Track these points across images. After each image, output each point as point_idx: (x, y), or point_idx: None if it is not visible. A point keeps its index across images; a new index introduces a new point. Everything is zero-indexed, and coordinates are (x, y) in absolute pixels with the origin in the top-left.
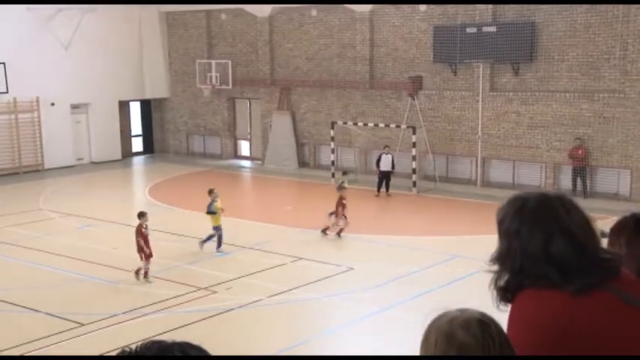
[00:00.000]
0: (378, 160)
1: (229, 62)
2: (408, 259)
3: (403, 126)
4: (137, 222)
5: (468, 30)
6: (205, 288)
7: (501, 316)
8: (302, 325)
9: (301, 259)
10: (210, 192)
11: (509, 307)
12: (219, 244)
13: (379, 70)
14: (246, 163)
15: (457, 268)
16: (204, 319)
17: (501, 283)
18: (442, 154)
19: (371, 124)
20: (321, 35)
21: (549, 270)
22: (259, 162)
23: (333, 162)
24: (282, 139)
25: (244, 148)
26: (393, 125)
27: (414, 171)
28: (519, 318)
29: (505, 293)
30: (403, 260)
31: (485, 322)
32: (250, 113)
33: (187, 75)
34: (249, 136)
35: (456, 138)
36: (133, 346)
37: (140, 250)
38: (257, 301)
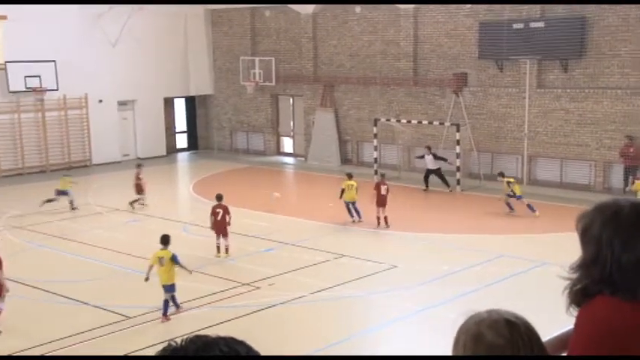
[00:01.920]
0: (421, 157)
1: (273, 59)
2: (452, 258)
3: (447, 123)
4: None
5: (515, 26)
6: (248, 284)
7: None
8: (344, 323)
9: (343, 256)
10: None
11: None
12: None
13: (423, 66)
14: (289, 160)
15: (503, 267)
16: (246, 314)
17: (578, 287)
18: (487, 152)
19: (414, 121)
20: (365, 32)
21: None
22: (302, 159)
23: (375, 159)
24: (325, 136)
25: (287, 144)
26: (436, 122)
27: (458, 169)
28: (592, 320)
29: (580, 298)
30: (447, 258)
31: (513, 322)
32: (293, 110)
33: (231, 72)
34: (292, 133)
35: (501, 135)
36: (178, 340)
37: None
38: (300, 297)
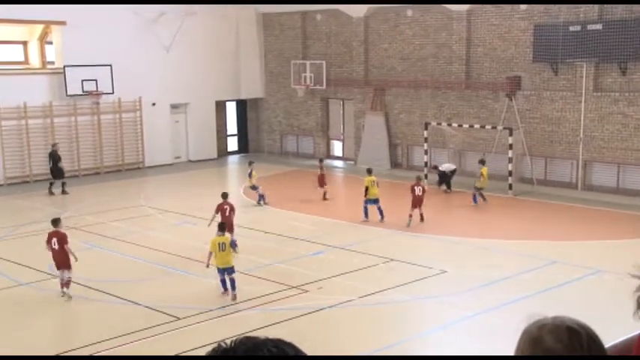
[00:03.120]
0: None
1: (324, 63)
2: (503, 264)
3: (500, 127)
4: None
5: (572, 28)
6: (297, 287)
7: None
8: (394, 327)
9: (393, 260)
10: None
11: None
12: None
13: (475, 70)
14: (339, 163)
15: (556, 274)
16: (295, 317)
17: None
18: (540, 157)
19: (466, 125)
20: (417, 35)
21: None
22: (352, 162)
23: (426, 163)
24: (375, 140)
25: (337, 148)
26: (488, 126)
27: (510, 173)
28: None
29: None
30: (498, 264)
31: (574, 330)
32: (343, 113)
33: (282, 75)
34: (342, 137)
35: (555, 140)
36: (228, 341)
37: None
38: (348, 301)
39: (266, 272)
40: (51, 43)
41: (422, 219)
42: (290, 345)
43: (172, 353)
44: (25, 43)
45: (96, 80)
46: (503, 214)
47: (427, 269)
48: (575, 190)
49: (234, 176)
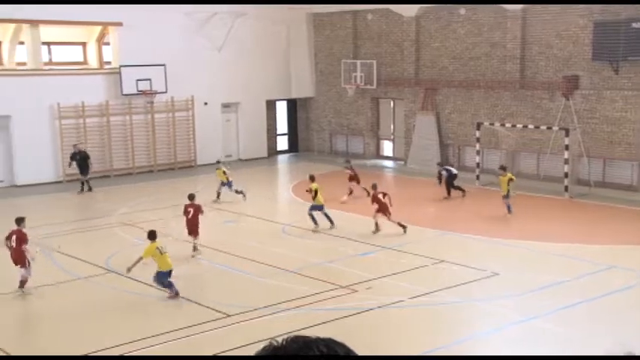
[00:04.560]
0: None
1: (374, 62)
2: (557, 268)
3: (555, 127)
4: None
5: (634, 25)
6: (346, 286)
7: None
8: (444, 329)
9: (443, 261)
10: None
11: None
12: None
13: (531, 69)
14: (389, 163)
15: (613, 279)
16: (344, 317)
17: None
18: (598, 158)
19: (520, 126)
20: (469, 34)
21: None
22: (402, 162)
23: (478, 164)
24: (426, 140)
25: (387, 148)
26: (543, 127)
27: (566, 175)
28: None
29: None
30: (552, 268)
31: None
32: (394, 113)
33: (332, 75)
34: (392, 136)
35: (615, 140)
36: (279, 339)
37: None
38: (398, 302)
39: (315, 271)
40: (108, 44)
41: (401, 226)
42: (341, 345)
43: (220, 350)
44: (84, 45)
45: (150, 80)
46: (558, 216)
47: (478, 271)
48: (635, 193)
49: (283, 175)
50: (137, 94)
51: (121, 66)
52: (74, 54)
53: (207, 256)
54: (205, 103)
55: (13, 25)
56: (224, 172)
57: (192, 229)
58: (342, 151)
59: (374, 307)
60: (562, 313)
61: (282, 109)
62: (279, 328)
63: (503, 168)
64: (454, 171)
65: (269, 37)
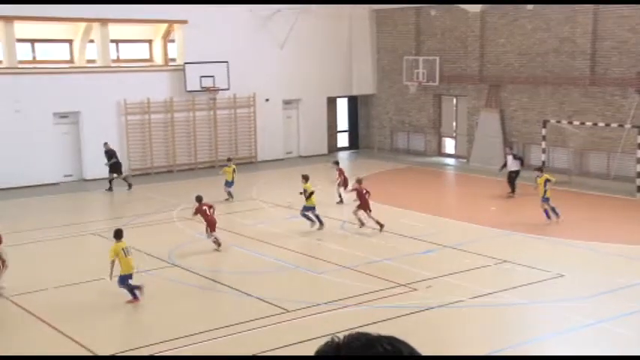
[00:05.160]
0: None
1: (437, 58)
2: (627, 270)
3: (627, 125)
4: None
5: None
6: (405, 285)
7: None
8: (507, 331)
9: (506, 261)
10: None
11: None
12: None
13: (602, 64)
14: (451, 161)
15: None
16: (403, 315)
17: None
18: None
19: (589, 123)
20: (537, 29)
21: None
22: (464, 160)
23: (543, 162)
24: (489, 137)
25: (449, 145)
26: (614, 124)
27: (638, 174)
28: None
29: None
30: (622, 270)
31: None
32: (457, 110)
33: (394, 72)
34: (454, 134)
35: None
36: (341, 336)
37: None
38: (458, 301)
39: (374, 269)
40: (173, 41)
41: (379, 224)
42: (404, 343)
43: (279, 345)
44: (150, 42)
45: (213, 77)
46: (629, 217)
47: (543, 272)
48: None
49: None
50: (200, 90)
51: (185, 63)
52: (140, 51)
53: (267, 252)
54: (267, 100)
55: (83, 24)
56: (233, 171)
57: (213, 225)
58: (403, 148)
59: (434, 305)
60: (632, 317)
61: (342, 105)
62: (338, 325)
63: (539, 169)
64: (517, 166)
65: (331, 33)
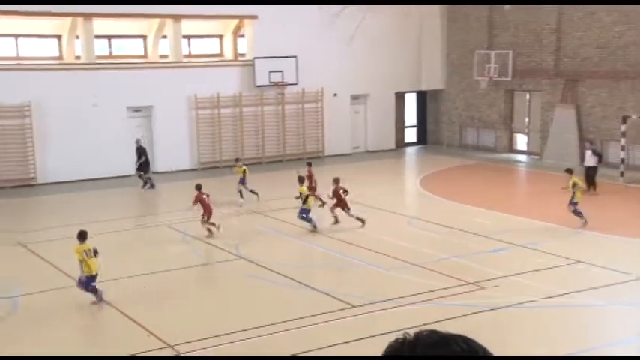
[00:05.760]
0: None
1: (510, 53)
2: None
3: None
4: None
5: None
6: (473, 283)
7: None
8: (578, 333)
9: (580, 262)
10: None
11: None
12: None
13: None
14: (522, 158)
15: None
16: (471, 313)
17: None
18: None
19: None
20: (617, 22)
21: None
22: (536, 157)
23: (622, 160)
24: (564, 134)
25: (520, 141)
26: None
27: None
28: None
29: None
30: None
31: None
32: (530, 106)
33: (465, 66)
34: (526, 130)
35: None
36: (411, 332)
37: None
38: (529, 301)
39: (442, 266)
40: (243, 36)
41: (360, 220)
42: (477, 342)
43: (343, 340)
44: (220, 37)
45: (282, 71)
46: None
47: (621, 274)
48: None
49: (411, 167)
50: (269, 85)
51: (255, 58)
52: (211, 47)
53: (334, 247)
54: (335, 95)
55: (157, 20)
56: (244, 171)
57: (211, 213)
58: (472, 144)
59: (502, 305)
60: None
61: (411, 101)
62: (404, 322)
63: (569, 171)
64: (594, 162)
65: (400, 28)
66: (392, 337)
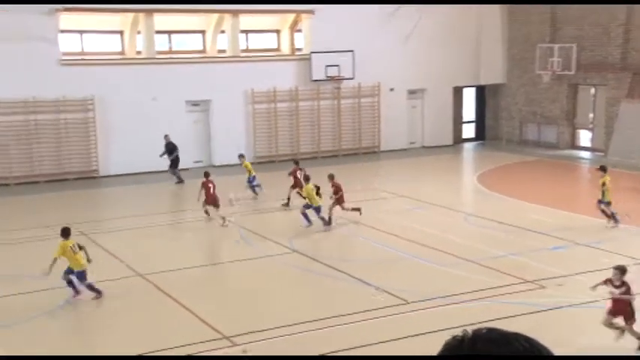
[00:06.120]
0: None
1: (574, 46)
2: None
3: None
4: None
5: None
6: (532, 281)
7: None
8: None
9: None
10: None
11: None
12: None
13: None
14: (586, 154)
15: None
16: (529, 312)
17: None
18: None
19: None
20: None
21: None
22: (601, 154)
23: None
24: (632, 130)
25: (583, 138)
26: None
27: None
28: None
29: None
30: None
31: None
32: (595, 101)
33: (526, 60)
34: (591, 125)
35: None
36: (469, 330)
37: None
38: (593, 301)
39: (499, 263)
40: (300, 31)
41: (356, 209)
42: (538, 342)
43: (399, 336)
44: (277, 32)
45: (338, 66)
46: None
47: None
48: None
49: (468, 163)
50: (325, 80)
51: (311, 52)
52: (268, 41)
53: (387, 242)
54: (391, 89)
55: (216, 16)
56: (249, 167)
57: (214, 202)
58: (532, 140)
59: (564, 305)
60: None
61: (469, 96)
62: (460, 319)
63: (602, 169)
64: None
65: (459, 22)
66: (448, 335)
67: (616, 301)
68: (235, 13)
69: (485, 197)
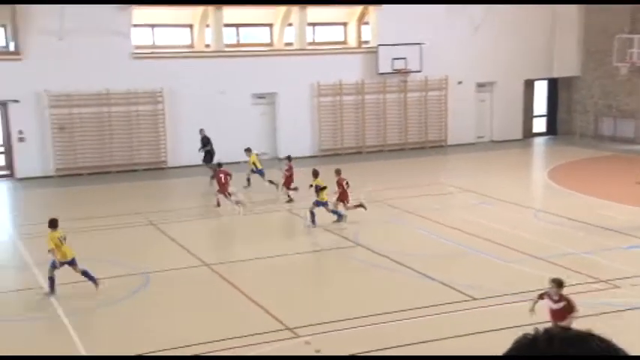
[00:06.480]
0: None
1: None
2: None
3: None
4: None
5: None
6: (606, 281)
7: None
8: None
9: None
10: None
11: None
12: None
13: None
14: None
15: None
16: (603, 313)
17: None
18: None
19: None
20: None
21: None
22: None
23: None
24: None
25: None
26: None
27: None
28: None
29: None
30: None
31: None
32: None
33: (603, 52)
34: None
35: None
36: (540, 328)
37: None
38: None
39: (570, 261)
40: (367, 23)
41: (361, 206)
42: (612, 342)
43: (465, 333)
44: (344, 24)
45: (405, 59)
46: None
47: None
48: None
49: (539, 158)
50: (392, 73)
51: (378, 45)
52: (335, 34)
53: (453, 237)
54: (459, 82)
55: (283, 8)
56: (255, 160)
57: (224, 191)
58: (608, 135)
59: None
60: None
61: (540, 89)
62: (528, 317)
63: None
64: None
65: (532, 13)
66: (518, 333)
67: (555, 312)
68: (303, 6)
69: (557, 193)
